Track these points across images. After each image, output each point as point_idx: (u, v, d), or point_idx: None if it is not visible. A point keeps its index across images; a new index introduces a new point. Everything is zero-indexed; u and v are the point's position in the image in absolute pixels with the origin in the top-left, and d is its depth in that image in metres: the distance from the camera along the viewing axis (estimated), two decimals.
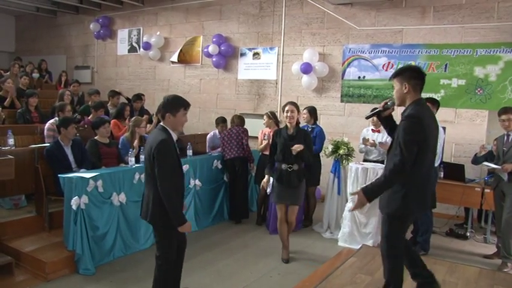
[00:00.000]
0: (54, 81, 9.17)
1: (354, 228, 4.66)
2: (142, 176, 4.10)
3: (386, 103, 2.88)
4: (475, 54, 5.68)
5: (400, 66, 5.89)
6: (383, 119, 2.94)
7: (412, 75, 2.70)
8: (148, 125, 5.42)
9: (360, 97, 6.52)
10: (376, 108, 2.94)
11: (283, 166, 4.01)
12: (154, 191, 2.59)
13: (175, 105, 2.70)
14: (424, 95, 5.66)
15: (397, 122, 2.79)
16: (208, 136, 6.14)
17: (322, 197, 5.67)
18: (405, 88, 2.67)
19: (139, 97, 6.88)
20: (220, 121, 6.14)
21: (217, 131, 6.08)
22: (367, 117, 3.12)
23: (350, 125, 6.59)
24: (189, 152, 4.92)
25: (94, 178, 3.70)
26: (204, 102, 8.10)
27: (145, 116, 6.13)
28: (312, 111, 5.29)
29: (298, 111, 4.11)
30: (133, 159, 4.19)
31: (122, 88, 8.76)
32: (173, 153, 2.61)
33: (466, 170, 4.96)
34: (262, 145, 5.24)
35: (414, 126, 2.56)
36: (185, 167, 4.71)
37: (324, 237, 4.99)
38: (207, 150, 6.02)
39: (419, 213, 2.95)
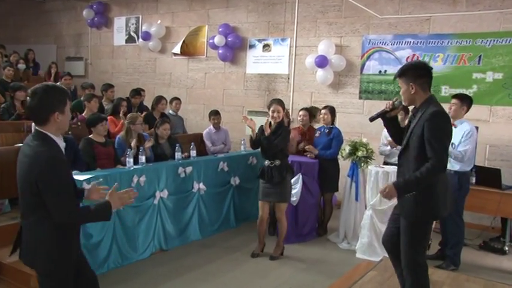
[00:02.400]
0: (43, 73, 9.04)
1: (373, 238, 4.59)
2: (142, 178, 4.15)
3: (393, 102, 2.93)
4: None
5: (427, 59, 5.92)
6: (388, 119, 2.99)
7: (417, 74, 2.76)
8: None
9: (380, 93, 6.43)
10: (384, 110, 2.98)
11: (266, 162, 4.29)
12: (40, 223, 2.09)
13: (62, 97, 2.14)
14: (453, 91, 5.81)
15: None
16: (204, 133, 6.19)
17: (338, 203, 5.58)
18: (412, 89, 2.75)
19: (138, 92, 6.87)
20: (213, 114, 6.13)
21: (212, 126, 6.07)
22: (371, 120, 3.09)
23: (369, 124, 6.09)
24: (193, 153, 4.88)
25: (88, 180, 3.66)
26: (209, 98, 8.08)
27: (144, 113, 6.13)
28: (333, 111, 5.26)
29: (284, 109, 4.35)
30: (131, 160, 4.16)
31: (119, 82, 8.78)
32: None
33: (503, 175, 4.83)
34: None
35: (444, 123, 2.67)
36: (188, 169, 4.69)
37: (341, 248, 4.93)
38: (209, 149, 6.00)
39: (443, 216, 2.97)
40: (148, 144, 4.74)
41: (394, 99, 2.95)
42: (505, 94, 5.60)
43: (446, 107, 4.98)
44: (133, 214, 4.13)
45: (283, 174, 4.26)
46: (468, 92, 5.58)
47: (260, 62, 7.49)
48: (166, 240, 4.53)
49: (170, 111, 6.74)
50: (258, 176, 4.44)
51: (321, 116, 5.24)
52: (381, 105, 6.28)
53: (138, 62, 9.08)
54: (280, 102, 4.30)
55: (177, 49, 8.30)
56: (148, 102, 7.32)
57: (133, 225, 4.14)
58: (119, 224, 4.02)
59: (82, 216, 2.17)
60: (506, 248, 4.88)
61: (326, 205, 5.33)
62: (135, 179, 4.10)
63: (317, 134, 5.34)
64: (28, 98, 2.11)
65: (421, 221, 2.76)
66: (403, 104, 2.93)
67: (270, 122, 4.34)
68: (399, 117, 4.36)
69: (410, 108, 3.00)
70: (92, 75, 9.68)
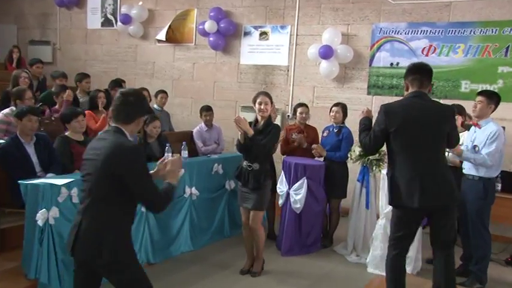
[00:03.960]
0: (2, 58, 8.59)
1: (386, 250, 4.52)
2: None
3: None
4: None
5: (445, 50, 5.93)
6: None
7: (408, 72, 3.31)
8: None
9: (391, 89, 6.41)
10: None
11: (244, 163, 4.24)
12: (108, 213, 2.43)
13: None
14: (475, 87, 5.77)
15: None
16: (194, 131, 6.10)
17: (342, 210, 5.52)
18: (405, 87, 3.37)
19: (118, 84, 6.72)
20: (205, 109, 6.05)
21: (203, 124, 5.99)
22: None
23: None
24: (184, 154, 4.78)
25: (67, 185, 3.54)
26: (198, 91, 7.98)
27: None
28: (345, 110, 5.25)
29: (272, 102, 4.28)
30: None
31: (94, 71, 8.60)
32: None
33: None
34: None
35: (379, 114, 3.38)
36: (180, 172, 4.55)
37: (349, 261, 4.89)
38: (200, 149, 5.90)
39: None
40: None
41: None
42: None
43: (465, 104, 5.06)
44: None
45: (260, 181, 4.16)
46: (493, 87, 5.59)
47: (256, 51, 7.41)
48: (154, 252, 4.44)
49: (155, 106, 6.63)
50: (235, 175, 4.39)
51: (332, 114, 5.21)
52: (392, 101, 6.31)
53: (116, 49, 8.91)
54: (267, 94, 4.27)
55: (161, 35, 8.16)
56: None
57: None
58: None
59: (167, 203, 2.53)
60: None
61: (333, 213, 5.30)
62: None
63: (325, 134, 5.31)
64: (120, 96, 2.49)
65: (393, 208, 3.36)
66: None
67: (251, 123, 4.23)
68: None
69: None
70: (61, 62, 9.43)
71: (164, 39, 8.14)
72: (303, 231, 5.03)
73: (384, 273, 4.34)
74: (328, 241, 5.32)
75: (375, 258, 4.59)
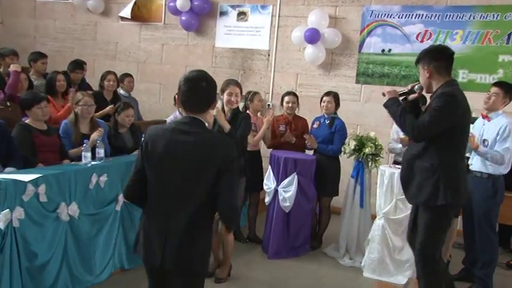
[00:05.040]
0: None
1: (384, 253, 4.53)
2: (102, 178, 3.89)
3: (413, 86, 3.35)
4: None
5: (442, 36, 5.95)
6: (407, 105, 3.33)
7: (433, 57, 3.18)
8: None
9: (382, 77, 6.39)
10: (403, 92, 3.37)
11: None
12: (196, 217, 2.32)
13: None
14: (474, 76, 5.80)
15: None
16: (168, 120, 5.82)
17: (333, 209, 5.47)
18: (427, 73, 3.18)
19: (79, 65, 6.38)
20: None
21: (177, 113, 5.82)
22: (401, 96, 3.41)
23: (368, 114, 6.47)
24: None
25: (34, 182, 3.29)
26: (168, 76, 7.74)
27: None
28: (338, 99, 5.20)
29: (242, 91, 4.21)
30: (88, 154, 3.83)
31: (45, 50, 8.12)
32: None
33: None
34: (259, 135, 5.05)
35: (448, 106, 3.05)
36: None
37: (342, 265, 4.85)
38: None
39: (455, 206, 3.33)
40: (96, 134, 4.34)
41: (414, 84, 3.37)
42: None
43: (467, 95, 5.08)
44: (89, 224, 3.83)
45: None
46: (492, 77, 5.64)
47: (233, 33, 7.27)
48: (129, 256, 4.26)
49: (121, 92, 6.35)
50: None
51: (323, 104, 5.14)
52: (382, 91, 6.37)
53: (72, 26, 8.51)
54: (238, 84, 4.19)
55: (126, 12, 7.86)
56: (88, 77, 6.85)
57: (89, 239, 3.83)
58: (71, 239, 3.70)
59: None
60: None
61: (323, 212, 5.24)
62: (94, 179, 3.80)
63: (315, 125, 5.24)
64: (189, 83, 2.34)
65: (442, 208, 3.15)
66: (424, 91, 3.31)
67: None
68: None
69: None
70: (5, 38, 8.79)
71: (129, 17, 7.85)
72: (291, 232, 4.95)
73: (380, 278, 4.44)
74: (317, 242, 5.26)
75: (372, 262, 4.56)
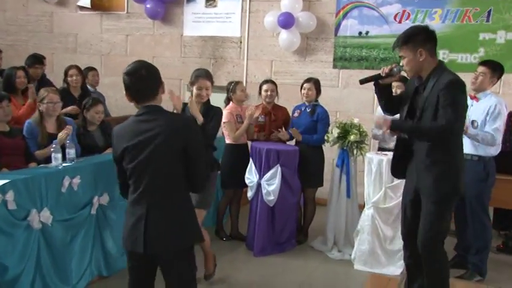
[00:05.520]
0: None
1: (375, 244, 4.51)
2: (75, 180, 3.73)
3: (392, 68, 3.23)
4: None
5: (421, 16, 5.98)
6: (381, 88, 3.36)
7: (428, 37, 3.10)
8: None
9: (360, 61, 6.38)
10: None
11: None
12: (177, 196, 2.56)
13: None
14: (454, 56, 5.85)
15: None
16: None
17: (318, 201, 5.44)
18: (421, 55, 3.07)
19: (38, 60, 6.14)
20: None
21: None
22: (362, 82, 3.47)
23: (346, 100, 6.47)
24: None
25: (1, 188, 3.13)
26: None
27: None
28: (318, 86, 5.13)
29: (212, 83, 4.09)
30: (59, 155, 3.66)
31: None
32: None
33: None
34: (240, 130, 4.93)
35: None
36: None
37: (331, 258, 4.82)
38: None
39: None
40: (65, 133, 4.17)
41: (393, 65, 3.25)
42: None
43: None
44: (63, 231, 3.66)
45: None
46: (473, 57, 5.69)
47: (202, 20, 7.16)
48: (107, 263, 4.13)
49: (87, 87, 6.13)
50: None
51: (304, 91, 5.08)
52: (361, 75, 6.14)
53: (24, 17, 8.23)
54: (209, 76, 4.03)
55: (84, 1, 7.67)
56: (47, 73, 6.59)
57: (63, 246, 3.67)
58: (44, 248, 3.53)
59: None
60: None
61: (308, 204, 5.20)
62: (66, 182, 3.63)
63: (296, 114, 5.18)
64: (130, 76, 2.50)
65: (445, 199, 3.15)
66: (406, 74, 3.27)
67: (186, 104, 3.95)
68: (396, 89, 4.55)
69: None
70: None
71: (88, 6, 7.70)
72: (276, 227, 4.88)
73: (372, 270, 4.43)
74: (303, 236, 5.22)
75: (363, 254, 4.53)
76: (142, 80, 2.49)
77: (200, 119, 3.76)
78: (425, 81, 3.13)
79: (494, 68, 4.12)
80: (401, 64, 3.20)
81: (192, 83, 4.01)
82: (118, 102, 7.46)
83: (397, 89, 4.54)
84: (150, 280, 2.68)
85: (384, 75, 3.27)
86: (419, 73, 3.16)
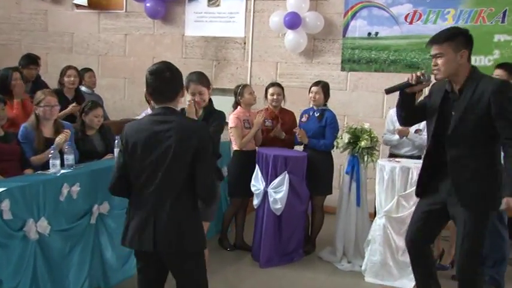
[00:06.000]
0: None
1: (387, 255, 4.45)
2: (74, 188, 3.65)
3: (422, 75, 3.12)
4: None
5: (433, 16, 5.95)
6: (406, 97, 3.25)
7: (469, 41, 3.04)
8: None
9: (369, 63, 6.35)
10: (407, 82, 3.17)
11: None
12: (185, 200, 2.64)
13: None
14: None
15: None
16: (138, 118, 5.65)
17: (326, 209, 5.39)
18: (461, 57, 2.99)
19: (33, 60, 6.08)
20: None
21: (149, 110, 5.65)
22: (389, 92, 3.35)
23: (355, 104, 6.44)
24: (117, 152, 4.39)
25: None
26: (133, 70, 7.52)
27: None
28: (327, 89, 5.07)
29: (209, 88, 3.92)
30: (57, 162, 3.59)
31: None
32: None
33: None
34: (247, 137, 4.90)
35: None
36: None
37: (340, 270, 4.77)
38: None
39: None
40: (63, 137, 4.10)
41: (423, 72, 3.15)
42: None
43: None
44: (61, 242, 3.59)
45: None
46: (488, 59, 5.65)
47: (205, 20, 7.14)
48: (106, 274, 4.05)
49: (83, 89, 6.10)
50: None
51: (311, 95, 5.04)
52: (370, 78, 6.41)
53: (17, 15, 8.16)
54: (201, 80, 3.85)
55: None
56: (41, 74, 6.50)
57: (61, 257, 3.60)
58: (41, 260, 3.44)
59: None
60: None
61: (316, 212, 5.15)
62: (65, 190, 3.56)
63: (304, 119, 5.15)
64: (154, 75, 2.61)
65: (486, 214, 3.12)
66: (436, 78, 3.11)
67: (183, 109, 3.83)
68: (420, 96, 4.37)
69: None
70: None
71: (85, 4, 7.64)
72: (283, 237, 4.83)
73: (384, 283, 4.40)
74: (310, 246, 5.17)
75: (374, 265, 4.47)
76: (165, 81, 2.59)
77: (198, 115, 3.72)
78: (462, 87, 3.03)
79: (511, 71, 4.08)
80: (432, 64, 3.06)
81: (186, 87, 3.83)
82: (116, 105, 7.44)
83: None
84: (160, 281, 2.78)
85: (413, 82, 3.13)
86: (451, 77, 3.05)
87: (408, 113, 3.33)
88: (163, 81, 2.59)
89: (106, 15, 7.65)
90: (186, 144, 2.52)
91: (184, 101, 3.88)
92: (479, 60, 5.76)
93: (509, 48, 5.74)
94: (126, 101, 7.53)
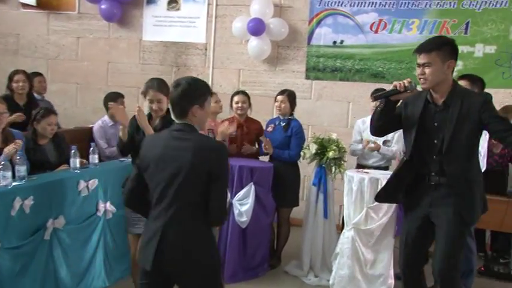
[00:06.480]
0: None
1: (355, 268, 4.44)
2: (27, 202, 3.51)
3: (409, 82, 3.15)
4: None
5: (398, 26, 6.07)
6: (390, 104, 3.27)
7: (455, 50, 3.17)
8: None
9: (334, 72, 6.41)
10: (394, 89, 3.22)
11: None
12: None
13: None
14: None
15: None
16: (94, 128, 5.60)
17: (292, 221, 5.39)
18: (448, 68, 3.10)
19: None
20: (112, 98, 5.55)
21: (106, 117, 5.57)
22: (376, 98, 3.50)
23: (320, 113, 6.49)
24: (94, 159, 4.29)
25: None
26: (86, 75, 7.39)
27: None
28: (293, 98, 5.09)
29: (168, 95, 3.61)
30: (9, 173, 3.42)
31: None
32: None
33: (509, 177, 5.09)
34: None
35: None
36: (93, 183, 4.16)
37: (308, 284, 4.77)
38: (105, 151, 5.39)
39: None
40: (12, 148, 3.92)
41: (408, 79, 3.19)
42: (498, 73, 5.84)
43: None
44: (11, 261, 3.43)
45: None
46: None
47: (164, 24, 7.07)
48: None
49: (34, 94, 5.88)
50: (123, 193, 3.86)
51: (277, 104, 5.06)
52: (335, 87, 6.48)
53: None
54: (161, 87, 3.73)
55: None
56: None
57: (11, 278, 3.44)
58: None
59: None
60: None
61: (282, 225, 5.15)
62: (17, 204, 3.40)
63: (269, 129, 5.15)
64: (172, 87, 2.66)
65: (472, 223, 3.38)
66: (423, 87, 3.17)
67: (150, 114, 3.80)
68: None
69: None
70: None
71: (33, 4, 7.43)
72: (248, 250, 4.80)
73: None
74: (276, 260, 5.16)
75: (342, 279, 4.45)
76: (178, 94, 2.60)
77: (149, 131, 3.57)
78: (446, 100, 3.13)
79: (474, 82, 4.21)
80: (419, 72, 3.13)
81: (143, 93, 3.78)
82: (67, 112, 7.22)
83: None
84: None
85: (401, 89, 3.17)
86: (435, 87, 3.13)
87: (386, 121, 3.35)
88: (177, 94, 2.60)
89: (56, 16, 7.45)
90: (201, 164, 2.52)
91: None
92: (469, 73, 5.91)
93: (471, 60, 5.92)
94: (79, 108, 7.34)
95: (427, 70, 3.07)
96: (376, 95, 3.42)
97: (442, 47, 3.07)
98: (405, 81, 3.15)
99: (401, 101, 3.34)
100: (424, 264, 3.53)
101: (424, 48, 3.10)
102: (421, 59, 3.09)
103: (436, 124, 3.16)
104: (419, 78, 3.13)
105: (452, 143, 3.08)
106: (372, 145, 4.90)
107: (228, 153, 4.78)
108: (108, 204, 4.35)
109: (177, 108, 2.62)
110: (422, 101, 3.20)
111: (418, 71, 3.14)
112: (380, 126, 3.40)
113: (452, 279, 3.22)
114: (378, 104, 3.48)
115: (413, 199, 3.33)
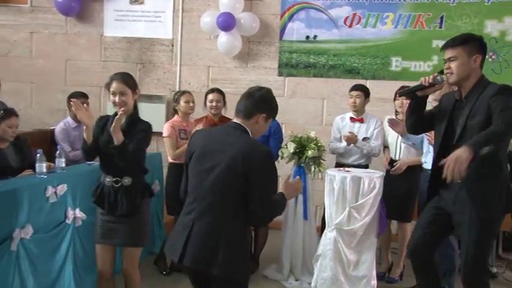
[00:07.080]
0: None
1: (338, 270, 4.47)
2: None
3: (435, 77, 3.27)
4: (486, 0, 5.92)
5: (372, 20, 6.15)
6: (418, 101, 3.42)
7: (483, 47, 3.23)
8: None
9: (308, 68, 6.46)
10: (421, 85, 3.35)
11: (107, 180, 3.61)
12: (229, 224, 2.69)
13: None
14: (407, 64, 6.11)
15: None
16: (56, 130, 5.49)
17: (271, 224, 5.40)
18: (474, 62, 3.17)
19: None
20: (76, 97, 5.40)
21: (69, 119, 5.50)
22: (404, 94, 3.80)
23: (294, 111, 6.53)
24: (61, 163, 4.15)
25: None
26: (41, 73, 7.22)
27: None
28: None
29: (135, 89, 3.62)
30: None
31: None
32: None
33: None
34: (181, 149, 4.79)
35: None
36: (61, 189, 4.02)
37: None
38: (68, 155, 5.26)
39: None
40: None
41: (434, 74, 3.30)
42: None
43: (397, 84, 5.27)
44: None
45: (136, 202, 3.59)
46: (427, 65, 5.92)
47: (127, 19, 6.98)
48: None
49: None
50: (93, 201, 3.71)
51: None
52: (309, 83, 6.53)
53: None
54: (126, 79, 3.55)
55: None
56: None
57: None
58: None
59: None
60: (495, 270, 5.20)
61: (259, 228, 5.11)
62: None
63: None
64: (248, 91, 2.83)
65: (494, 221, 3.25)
66: (449, 81, 3.26)
67: (108, 117, 3.64)
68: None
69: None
70: None
71: None
72: None
73: None
74: (254, 264, 5.11)
75: (324, 282, 4.48)
76: (249, 98, 2.75)
77: (119, 138, 3.37)
78: (468, 94, 3.20)
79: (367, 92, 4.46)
80: (445, 67, 3.23)
81: (107, 87, 3.60)
82: (21, 113, 6.90)
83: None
84: None
85: (427, 84, 3.28)
86: (462, 82, 3.21)
87: (418, 117, 3.45)
88: (247, 100, 2.74)
89: (6, 9, 7.21)
90: (240, 164, 2.56)
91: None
92: (418, 66, 6.08)
93: None
94: (33, 109, 7.15)
95: (452, 64, 3.18)
96: (402, 91, 3.57)
97: (467, 42, 3.17)
98: (431, 76, 3.26)
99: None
100: (430, 254, 3.56)
101: (450, 43, 3.22)
102: (448, 53, 3.21)
103: (460, 121, 3.23)
104: (446, 73, 3.22)
105: (461, 140, 3.11)
106: (348, 134, 4.93)
107: None
108: (77, 211, 4.23)
109: (248, 107, 2.73)
110: (453, 100, 3.31)
111: (445, 66, 3.24)
112: (413, 123, 3.49)
113: (482, 277, 3.30)
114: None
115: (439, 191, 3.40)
